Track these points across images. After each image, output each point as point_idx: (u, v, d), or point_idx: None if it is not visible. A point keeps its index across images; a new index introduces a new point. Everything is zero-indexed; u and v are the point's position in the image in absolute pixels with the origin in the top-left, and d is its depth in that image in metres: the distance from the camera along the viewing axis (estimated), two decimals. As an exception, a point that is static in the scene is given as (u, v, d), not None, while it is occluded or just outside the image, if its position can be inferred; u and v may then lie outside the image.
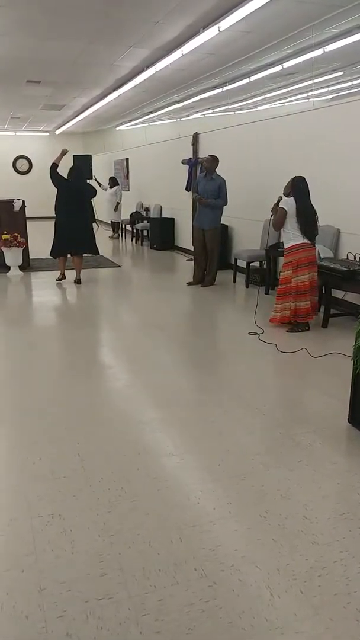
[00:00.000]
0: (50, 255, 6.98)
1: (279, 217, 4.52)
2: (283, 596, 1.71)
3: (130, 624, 1.61)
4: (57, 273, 7.10)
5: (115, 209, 11.98)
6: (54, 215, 6.82)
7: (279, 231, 4.77)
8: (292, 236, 4.54)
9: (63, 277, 6.94)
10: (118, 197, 11.87)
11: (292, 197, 4.49)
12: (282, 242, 4.82)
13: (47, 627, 1.61)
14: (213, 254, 6.63)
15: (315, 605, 1.68)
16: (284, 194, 4.59)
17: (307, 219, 4.49)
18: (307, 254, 4.53)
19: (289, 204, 4.48)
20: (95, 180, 12.32)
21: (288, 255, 4.60)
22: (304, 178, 4.53)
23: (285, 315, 4.65)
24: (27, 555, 1.90)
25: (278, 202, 4.59)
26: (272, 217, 4.62)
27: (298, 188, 4.50)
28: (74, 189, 6.66)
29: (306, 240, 4.51)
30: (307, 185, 4.51)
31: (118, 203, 11.89)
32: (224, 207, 6.59)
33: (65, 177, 6.70)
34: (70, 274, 7.03)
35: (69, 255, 6.94)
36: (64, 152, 6.71)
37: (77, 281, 6.86)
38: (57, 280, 6.95)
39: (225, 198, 6.44)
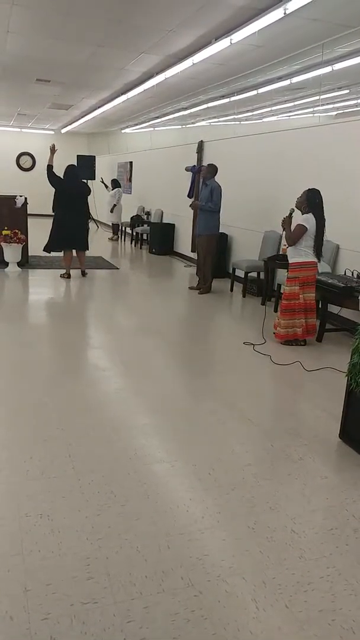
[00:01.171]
0: (45, 250, 7.25)
1: (297, 233, 4.38)
2: (268, 610, 1.72)
3: (114, 631, 1.61)
4: (56, 271, 7.36)
5: (111, 211, 12.01)
6: (52, 213, 7.17)
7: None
8: (303, 253, 4.45)
9: (68, 275, 7.23)
10: (116, 199, 11.89)
11: (311, 214, 4.38)
12: (282, 254, 4.80)
13: (32, 628, 1.60)
14: (206, 261, 6.66)
15: (300, 620, 1.68)
16: (296, 206, 4.51)
17: (321, 238, 4.45)
18: (313, 273, 4.53)
19: (310, 222, 4.36)
20: (102, 181, 12.40)
21: (295, 271, 4.52)
22: (318, 191, 4.44)
23: (297, 332, 4.55)
24: (14, 555, 1.89)
25: (290, 214, 4.51)
26: (285, 231, 4.49)
27: (314, 203, 4.40)
28: (71, 187, 7.04)
29: (314, 259, 4.49)
30: (322, 198, 4.44)
31: (115, 205, 11.91)
32: (224, 215, 6.63)
33: (62, 177, 7.02)
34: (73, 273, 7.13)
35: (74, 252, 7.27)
36: (53, 150, 7.03)
37: (83, 273, 7.38)
38: (61, 276, 7.24)
39: (217, 202, 6.42)
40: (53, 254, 7.82)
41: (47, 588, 1.75)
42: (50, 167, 6.95)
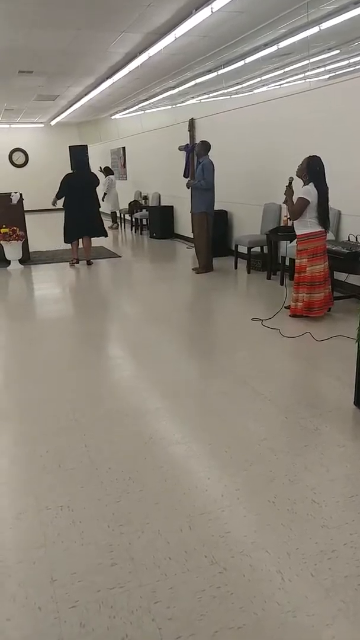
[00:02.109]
0: (66, 241, 7.53)
1: (300, 207, 4.25)
2: (294, 580, 1.72)
3: (142, 612, 1.62)
4: (59, 265, 7.51)
5: (102, 199, 11.91)
6: (63, 205, 7.42)
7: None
8: (309, 224, 4.32)
9: (77, 261, 7.53)
10: (106, 187, 11.76)
11: (312, 184, 4.24)
12: (287, 225, 4.64)
13: (60, 617, 1.62)
14: (200, 239, 6.56)
15: (326, 588, 1.68)
16: (297, 175, 4.36)
17: (326, 207, 4.31)
18: (322, 243, 4.36)
19: (311, 193, 4.22)
20: (101, 170, 12.28)
21: (304, 243, 4.38)
22: (319, 158, 4.28)
23: (298, 306, 4.47)
24: (38, 548, 1.91)
25: (290, 183, 4.37)
26: (288, 204, 4.36)
27: (315, 171, 4.25)
28: (80, 179, 7.30)
29: (321, 229, 4.34)
30: (323, 165, 4.28)
31: (105, 193, 11.80)
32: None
33: (70, 169, 7.40)
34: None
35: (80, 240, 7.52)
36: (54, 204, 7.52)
37: (89, 262, 7.53)
38: (70, 264, 7.52)
39: (209, 179, 6.28)
40: (54, 247, 7.90)
41: (72, 577, 1.77)
42: (54, 201, 7.45)
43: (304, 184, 4.33)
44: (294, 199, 4.35)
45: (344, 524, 1.97)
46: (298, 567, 1.77)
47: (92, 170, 7.78)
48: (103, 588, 1.72)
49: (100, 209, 7.81)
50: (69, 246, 7.67)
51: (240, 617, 1.59)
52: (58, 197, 7.34)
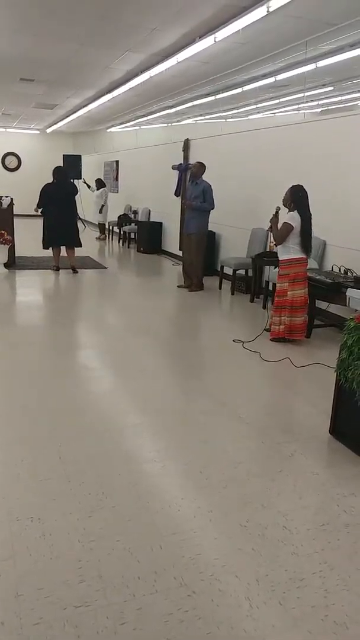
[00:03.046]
0: (44, 247, 7.64)
1: (284, 232, 4.40)
2: (262, 607, 1.72)
3: (108, 633, 1.60)
4: (44, 271, 7.58)
5: (100, 211, 11.97)
6: (41, 212, 7.59)
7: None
8: (291, 250, 4.46)
9: (57, 268, 7.62)
10: (103, 199, 11.85)
11: (296, 211, 4.40)
12: (272, 251, 4.78)
13: (24, 634, 1.58)
14: (197, 259, 6.68)
15: (294, 617, 1.68)
16: (283, 204, 4.52)
17: (308, 234, 4.46)
18: (303, 269, 4.51)
19: (295, 219, 4.37)
20: (85, 182, 12.33)
21: (285, 268, 4.52)
22: (302, 187, 4.45)
23: (280, 329, 4.55)
24: (5, 560, 1.87)
25: (276, 212, 4.54)
26: (273, 230, 4.52)
27: (298, 197, 4.41)
28: (60, 188, 7.47)
29: (303, 255, 4.49)
30: (307, 193, 4.45)
31: (103, 205, 11.87)
32: (211, 214, 6.64)
33: (52, 178, 7.52)
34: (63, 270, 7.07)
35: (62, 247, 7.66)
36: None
37: (73, 269, 7.61)
38: (52, 269, 7.62)
39: (211, 202, 6.50)
40: (42, 253, 7.93)
41: (39, 592, 1.74)
42: (37, 209, 7.57)
43: (289, 211, 4.49)
44: (279, 225, 4.50)
45: (313, 552, 1.99)
46: (267, 595, 1.77)
47: (75, 180, 8.18)
48: (69, 605, 1.69)
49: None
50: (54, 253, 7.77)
51: (207, 642, 1.58)
52: (39, 206, 7.51)
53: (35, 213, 7.70)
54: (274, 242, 4.62)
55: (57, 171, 7.60)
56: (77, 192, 7.75)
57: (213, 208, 6.54)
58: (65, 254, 7.62)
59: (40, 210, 7.55)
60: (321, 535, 2.09)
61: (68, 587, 1.76)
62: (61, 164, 9.16)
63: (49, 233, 7.49)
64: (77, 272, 7.57)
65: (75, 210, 7.70)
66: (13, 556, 1.89)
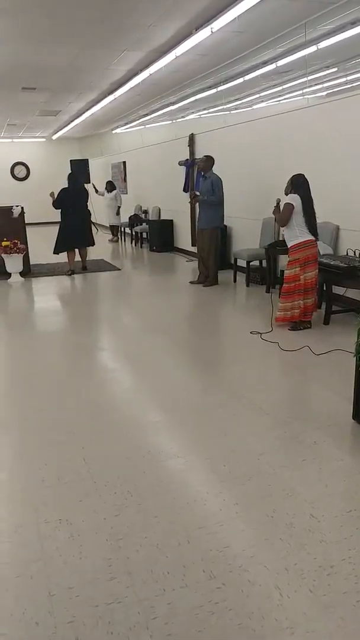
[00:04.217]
0: (55, 252, 7.86)
1: (286, 212, 4.46)
2: (292, 596, 1.71)
3: (140, 628, 1.62)
4: (59, 277, 7.68)
5: (117, 213, 12.01)
6: (59, 217, 7.84)
7: (284, 227, 4.67)
8: (298, 233, 4.48)
9: (73, 272, 7.87)
10: (118, 201, 11.89)
11: (296, 194, 4.45)
12: (285, 239, 4.75)
13: (57, 632, 1.61)
14: (209, 254, 6.65)
15: (325, 604, 1.67)
16: (285, 194, 4.55)
17: (312, 215, 4.49)
18: (313, 251, 4.51)
19: (295, 199, 4.43)
20: (93, 186, 12.41)
21: (295, 253, 4.53)
22: (302, 174, 4.51)
23: (294, 314, 4.59)
24: (36, 561, 1.90)
25: (277, 204, 4.58)
26: (276, 217, 4.58)
27: (298, 183, 4.48)
28: (74, 193, 7.77)
29: (311, 237, 4.50)
30: (307, 180, 4.49)
31: (119, 207, 11.91)
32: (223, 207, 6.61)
33: (67, 184, 7.83)
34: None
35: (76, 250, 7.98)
36: (52, 195, 7.79)
37: (84, 268, 8.03)
38: (67, 274, 7.81)
39: (219, 195, 6.43)
40: (55, 259, 8.02)
41: (70, 591, 1.76)
42: (54, 204, 7.74)
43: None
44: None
45: (342, 539, 1.97)
46: (296, 583, 1.76)
47: (88, 183, 8.39)
48: (101, 603, 1.71)
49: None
50: (67, 259, 7.96)
51: (239, 634, 1.58)
52: (56, 206, 7.74)
53: (52, 220, 8.01)
54: (280, 226, 4.66)
55: (72, 176, 8.05)
56: (88, 196, 8.08)
57: (221, 201, 6.47)
58: (79, 257, 7.97)
59: (58, 209, 7.80)
60: (349, 521, 2.07)
61: (98, 585, 1.79)
62: (69, 170, 9.35)
63: (66, 235, 7.74)
64: (87, 268, 8.05)
65: (87, 211, 8.02)
66: (43, 557, 1.92)
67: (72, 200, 7.66)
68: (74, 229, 7.75)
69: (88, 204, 8.01)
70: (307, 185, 4.49)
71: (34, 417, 3.14)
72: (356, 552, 1.89)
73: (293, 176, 4.53)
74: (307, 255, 4.49)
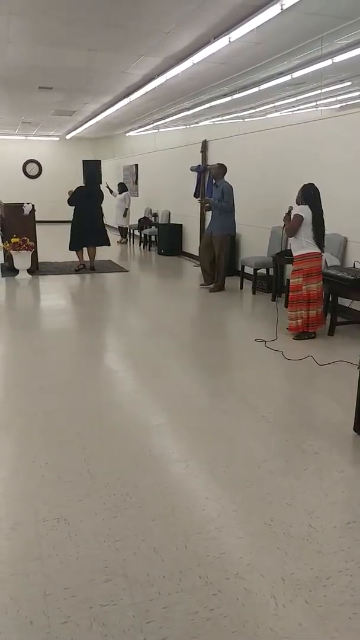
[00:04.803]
0: (71, 249, 8.09)
1: (295, 223, 4.49)
2: (288, 605, 1.71)
3: (134, 631, 1.62)
4: (67, 276, 7.77)
5: (124, 215, 12.08)
6: (71, 216, 8.01)
7: (291, 237, 4.71)
8: (304, 244, 4.52)
9: (83, 266, 8.09)
10: (127, 203, 11.96)
11: (306, 205, 4.48)
12: (291, 249, 4.79)
13: (52, 632, 1.61)
14: (220, 260, 6.68)
15: (320, 616, 1.67)
16: (297, 203, 4.58)
17: (321, 228, 4.51)
18: (317, 264, 4.55)
19: (305, 211, 4.46)
20: (107, 187, 12.51)
21: (299, 263, 4.58)
22: (313, 184, 4.53)
23: (298, 324, 4.62)
24: (33, 560, 1.91)
25: (289, 212, 4.60)
26: (285, 225, 4.60)
27: (308, 194, 4.50)
28: (90, 193, 7.99)
29: (317, 250, 4.52)
30: (318, 191, 4.51)
31: (127, 209, 11.98)
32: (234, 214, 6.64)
33: (83, 183, 8.10)
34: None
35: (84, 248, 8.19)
36: (70, 192, 8.02)
37: (92, 268, 8.11)
38: (76, 269, 8.03)
39: (230, 202, 6.48)
40: (62, 258, 8.09)
41: (66, 592, 1.77)
42: (69, 201, 7.96)
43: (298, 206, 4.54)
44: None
45: (339, 550, 1.96)
46: (292, 593, 1.76)
47: (100, 183, 8.51)
48: (96, 605, 1.71)
49: (108, 224, 8.33)
50: (76, 258, 8.16)
51: (233, 641, 1.58)
52: (70, 203, 7.92)
53: (63, 219, 8.14)
54: (287, 236, 4.68)
55: (89, 175, 8.25)
56: (103, 197, 8.31)
57: (231, 209, 6.50)
58: (87, 256, 8.12)
59: (70, 204, 7.96)
60: (348, 533, 2.06)
61: (94, 587, 1.79)
62: (81, 170, 9.47)
63: (81, 233, 7.90)
64: (94, 269, 8.09)
65: (101, 212, 8.22)
66: (40, 556, 1.93)
67: (87, 200, 7.82)
68: (90, 227, 7.91)
69: (102, 205, 8.20)
70: (318, 195, 4.51)
71: (37, 415, 3.15)
72: (354, 564, 1.89)
73: (304, 186, 4.56)
74: (310, 267, 4.53)
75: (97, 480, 2.42)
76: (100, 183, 12.86)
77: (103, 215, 8.31)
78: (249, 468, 2.53)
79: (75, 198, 7.87)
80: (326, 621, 1.65)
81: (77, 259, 8.13)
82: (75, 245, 8.05)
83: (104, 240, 8.19)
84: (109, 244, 8.32)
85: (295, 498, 2.29)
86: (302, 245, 4.54)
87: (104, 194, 8.46)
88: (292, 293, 4.64)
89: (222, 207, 6.50)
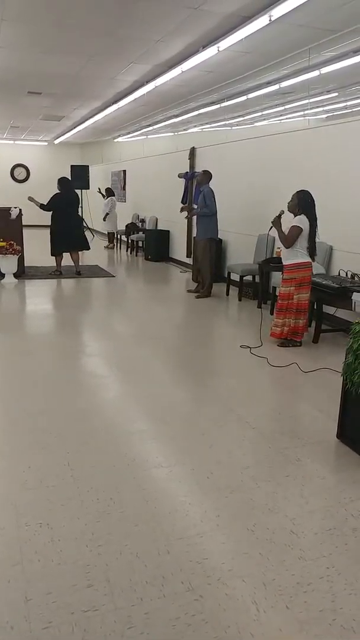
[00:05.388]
0: (53, 254, 8.00)
1: (293, 235, 4.42)
2: (269, 611, 1.72)
3: (115, 637, 1.61)
4: (53, 281, 7.79)
5: (104, 219, 12.19)
6: (50, 221, 7.89)
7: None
8: (299, 254, 4.49)
9: (61, 272, 8.06)
10: (108, 207, 12.02)
11: (304, 215, 4.43)
12: (280, 257, 4.78)
13: (33, 638, 1.60)
14: (203, 265, 6.75)
15: (301, 621, 1.68)
16: (289, 210, 4.54)
17: (314, 238, 4.51)
18: (309, 273, 4.56)
19: (304, 222, 4.41)
20: (99, 191, 12.58)
21: (292, 272, 4.54)
22: (309, 192, 4.48)
23: (284, 331, 4.64)
24: (14, 565, 1.89)
25: (279, 215, 4.55)
26: (279, 234, 4.52)
27: (307, 203, 4.45)
28: (70, 198, 7.90)
29: (309, 259, 4.53)
30: (313, 198, 4.48)
31: (107, 214, 12.06)
32: (218, 220, 6.69)
33: (59, 189, 7.89)
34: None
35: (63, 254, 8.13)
36: (32, 200, 7.80)
37: (78, 272, 8.10)
38: (54, 274, 8.02)
39: (211, 206, 6.55)
40: (49, 263, 8.08)
41: (47, 597, 1.75)
42: (42, 206, 7.81)
43: (295, 216, 4.50)
44: (285, 230, 4.51)
45: (321, 556, 1.98)
46: (273, 599, 1.77)
47: (87, 188, 8.57)
48: (77, 610, 1.71)
49: (93, 229, 8.35)
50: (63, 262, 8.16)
51: (214, 646, 1.58)
52: (46, 209, 7.79)
53: (44, 223, 8.12)
54: (283, 246, 4.62)
55: (65, 181, 8.00)
56: (79, 202, 8.43)
57: (212, 212, 6.57)
58: (72, 261, 8.10)
59: (47, 210, 7.84)
60: (328, 539, 2.08)
61: (76, 592, 1.78)
62: (69, 175, 9.51)
63: (62, 239, 7.85)
64: (80, 273, 8.09)
65: (79, 217, 8.36)
66: (21, 561, 1.91)
67: (66, 205, 7.76)
68: (70, 232, 7.88)
69: (79, 209, 8.28)
70: (314, 204, 4.48)
71: (19, 420, 3.13)
72: (334, 571, 1.91)
73: (300, 193, 4.49)
74: (303, 276, 4.53)
75: (80, 485, 2.41)
76: (87, 188, 12.94)
77: (83, 219, 8.39)
78: (232, 474, 2.54)
79: (54, 204, 7.75)
80: (307, 627, 1.66)
81: (55, 264, 8.07)
82: (57, 250, 8.00)
83: (85, 245, 8.23)
84: (89, 248, 8.36)
85: (278, 504, 2.31)
86: (295, 254, 4.50)
87: (87, 199, 8.59)
88: (281, 301, 4.64)
89: (204, 214, 6.60)
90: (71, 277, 7.99)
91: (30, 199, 7.71)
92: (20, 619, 1.67)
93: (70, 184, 8.12)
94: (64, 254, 8.03)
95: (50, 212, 7.78)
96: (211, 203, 6.54)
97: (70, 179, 8.16)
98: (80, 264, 8.23)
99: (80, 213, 8.41)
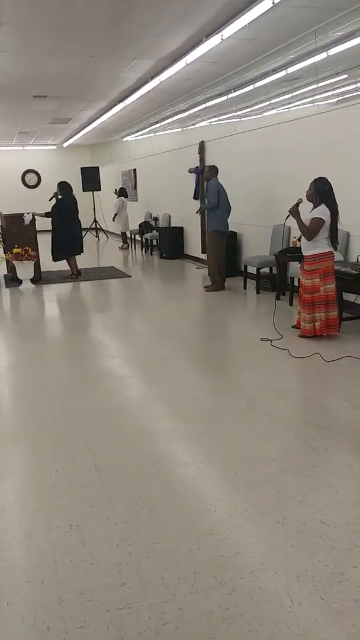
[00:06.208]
0: (57, 259, 8.13)
1: (315, 227, 4.28)
2: (303, 603, 1.70)
3: (150, 634, 1.62)
4: (70, 284, 7.83)
5: (113, 219, 12.33)
6: (52, 226, 8.03)
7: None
8: (320, 244, 4.35)
9: (79, 273, 8.27)
10: (117, 208, 12.09)
11: (324, 205, 4.29)
12: (302, 248, 4.60)
13: (69, 637, 1.62)
14: (210, 259, 6.77)
15: (336, 612, 1.66)
16: (308, 199, 4.41)
17: (336, 227, 4.36)
18: (332, 263, 4.41)
19: (325, 213, 4.27)
20: (115, 192, 12.71)
21: (315, 263, 4.39)
22: (326, 179, 4.35)
23: (315, 326, 4.44)
24: (47, 567, 1.92)
25: (297, 204, 4.42)
26: (300, 226, 4.36)
27: (324, 191, 4.31)
28: (71, 203, 8.00)
29: (331, 249, 4.38)
30: (331, 185, 4.34)
31: (116, 214, 12.15)
32: (231, 214, 6.67)
33: (61, 194, 8.01)
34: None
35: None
36: (32, 219, 7.89)
37: (79, 273, 8.31)
38: (71, 276, 8.16)
39: (213, 200, 6.54)
40: (65, 267, 8.12)
41: (81, 597, 1.77)
42: (47, 214, 7.91)
43: (315, 206, 4.37)
44: (305, 220, 4.37)
45: (353, 546, 1.96)
46: (307, 590, 1.76)
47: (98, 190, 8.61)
48: (112, 608, 1.72)
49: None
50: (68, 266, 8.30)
51: (249, 640, 1.58)
52: (50, 216, 7.89)
53: (44, 229, 8.15)
54: (295, 237, 4.54)
55: (66, 185, 8.04)
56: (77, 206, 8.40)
57: (213, 206, 6.53)
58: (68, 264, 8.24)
59: (51, 217, 7.93)
60: (360, 529, 2.05)
61: (109, 591, 1.79)
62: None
63: (66, 242, 7.97)
64: (80, 273, 8.30)
65: (79, 221, 8.33)
66: (54, 563, 1.94)
67: (67, 210, 7.88)
68: (74, 236, 8.05)
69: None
70: (332, 191, 4.33)
71: (45, 423, 3.17)
72: (368, 560, 1.88)
73: (316, 181, 4.36)
74: (327, 266, 4.38)
75: (108, 486, 2.42)
76: (98, 189, 13.08)
77: (80, 223, 8.47)
78: (260, 468, 2.53)
79: (60, 210, 7.84)
80: (342, 617, 1.64)
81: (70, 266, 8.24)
82: (62, 255, 8.09)
83: (82, 248, 8.37)
84: (82, 252, 8.45)
85: (307, 496, 2.28)
86: (317, 245, 4.35)
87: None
88: (307, 295, 4.44)
89: (207, 208, 6.67)
90: (87, 279, 8.02)
91: (34, 215, 7.82)
92: (55, 619, 1.69)
93: (71, 188, 8.15)
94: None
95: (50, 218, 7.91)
96: (212, 197, 6.53)
97: (69, 182, 8.13)
98: (87, 266, 8.46)
99: (83, 215, 8.48)
